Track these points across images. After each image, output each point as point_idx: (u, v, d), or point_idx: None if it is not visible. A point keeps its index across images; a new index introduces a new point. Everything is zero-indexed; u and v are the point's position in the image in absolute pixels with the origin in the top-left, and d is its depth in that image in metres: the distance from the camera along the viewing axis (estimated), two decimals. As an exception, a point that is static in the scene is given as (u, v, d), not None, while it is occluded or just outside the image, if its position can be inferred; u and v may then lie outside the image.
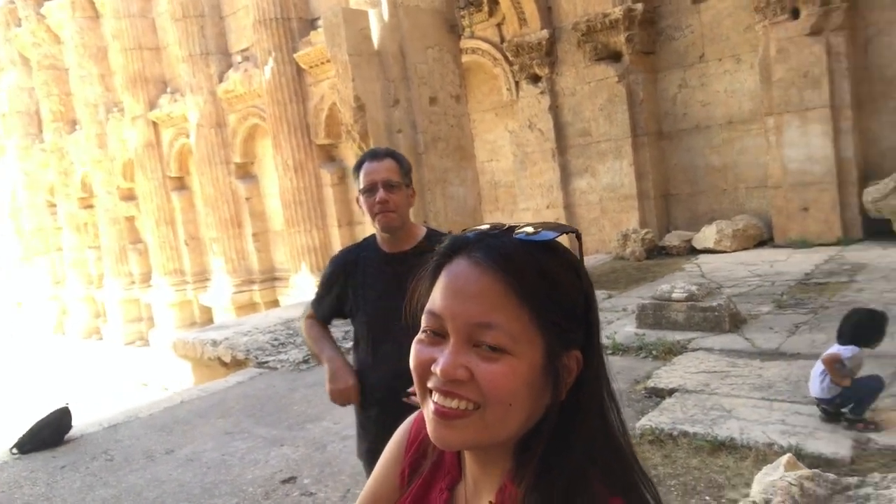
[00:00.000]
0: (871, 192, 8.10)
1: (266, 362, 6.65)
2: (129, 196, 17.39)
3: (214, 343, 7.28)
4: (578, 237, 0.76)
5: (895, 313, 5.50)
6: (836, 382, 3.49)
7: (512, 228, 0.74)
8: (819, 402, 3.62)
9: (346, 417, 4.77)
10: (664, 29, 10.08)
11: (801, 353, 4.76)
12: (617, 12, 9.78)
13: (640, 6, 9.72)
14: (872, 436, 3.43)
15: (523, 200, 11.64)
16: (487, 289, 0.70)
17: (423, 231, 2.22)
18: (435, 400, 0.72)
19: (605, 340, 5.74)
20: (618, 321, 6.35)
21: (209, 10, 13.57)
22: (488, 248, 0.71)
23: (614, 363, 5.29)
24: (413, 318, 0.77)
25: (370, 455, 2.19)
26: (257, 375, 6.34)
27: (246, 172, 14.33)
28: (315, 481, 3.78)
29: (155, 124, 15.74)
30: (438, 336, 0.73)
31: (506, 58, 11.38)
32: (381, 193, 2.05)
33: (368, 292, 2.15)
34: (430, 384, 0.72)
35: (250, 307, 13.80)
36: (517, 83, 11.31)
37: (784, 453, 3.18)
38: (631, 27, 9.81)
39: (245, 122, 13.80)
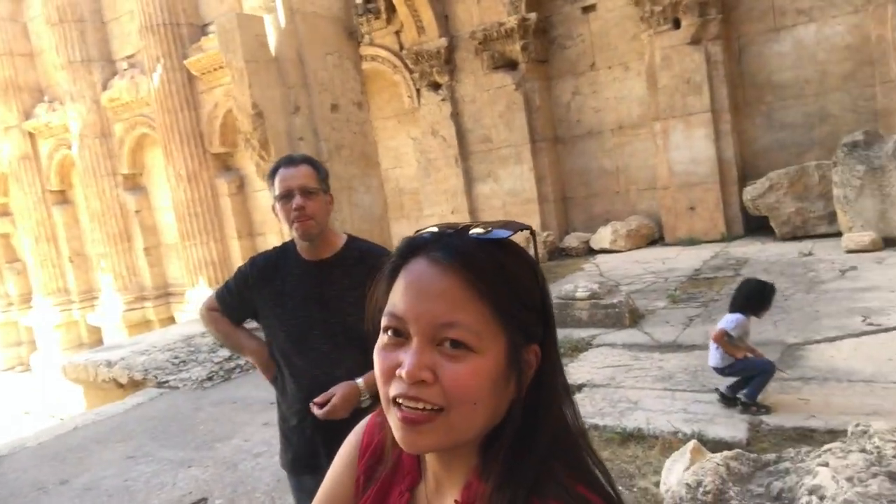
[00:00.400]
0: (750, 191, 8.74)
1: (167, 382, 6.32)
2: (3, 212, 16.08)
3: (109, 364, 6.84)
4: (533, 234, 0.78)
5: (777, 302, 5.96)
6: (731, 354, 3.76)
7: (466, 228, 0.74)
8: (716, 370, 3.88)
9: (257, 434, 4.62)
10: (556, 38, 10.46)
11: (696, 344, 5.05)
12: (512, 21, 10.06)
13: (533, 16, 10.05)
14: (764, 418, 3.70)
15: (428, 206, 11.72)
16: (450, 288, 0.70)
17: (343, 238, 2.19)
18: (401, 405, 0.71)
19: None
20: (525, 322, 6.50)
21: (89, 14, 12.77)
22: (447, 248, 0.72)
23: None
24: (372, 324, 0.76)
25: (295, 465, 2.13)
26: (158, 396, 6.01)
27: (135, 184, 13.57)
28: (228, 501, 3.63)
29: (31, 135, 14.63)
30: (400, 338, 0.72)
31: (406, 65, 11.44)
32: (297, 200, 2.00)
33: (287, 301, 2.09)
34: (392, 392, 0.72)
35: (144, 325, 13.07)
36: (418, 90, 11.39)
37: (688, 440, 3.37)
38: (526, 36, 10.12)
39: (133, 132, 13.08)
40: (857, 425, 1.32)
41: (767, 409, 3.76)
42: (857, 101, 8.55)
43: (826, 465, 1.13)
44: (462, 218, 11.24)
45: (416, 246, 0.74)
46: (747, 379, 3.81)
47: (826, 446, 1.25)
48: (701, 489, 1.17)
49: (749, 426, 3.64)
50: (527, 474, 0.70)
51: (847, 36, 8.46)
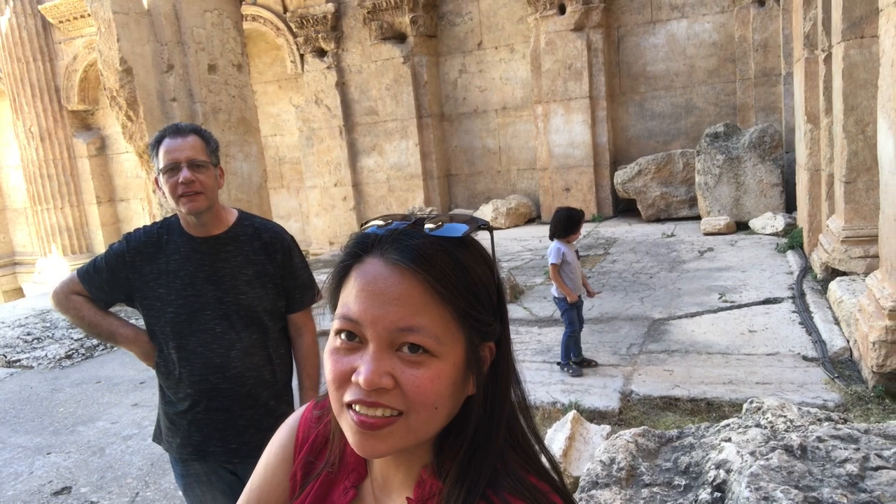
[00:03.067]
0: (620, 175, 9.26)
1: (18, 361, 5.76)
2: None
3: (-54, 342, 6.14)
4: (490, 230, 0.75)
5: (643, 280, 6.42)
6: (560, 287, 4.28)
7: (420, 222, 0.70)
8: (554, 299, 4.40)
9: (126, 416, 4.33)
10: (446, 14, 10.45)
11: (573, 319, 5.30)
12: (402, -7, 9.92)
13: (423, -11, 9.97)
14: (634, 388, 3.96)
15: (310, 178, 11.41)
16: (409, 291, 0.66)
17: (234, 214, 2.06)
18: (357, 410, 0.67)
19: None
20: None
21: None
22: (404, 248, 0.68)
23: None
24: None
25: (183, 451, 2.01)
26: (8, 377, 5.47)
27: (-24, 140, 12.18)
28: (96, 489, 3.38)
29: None
30: (354, 342, 0.68)
31: (289, 28, 10.98)
32: (185, 173, 1.85)
33: (174, 280, 1.94)
34: (347, 397, 0.68)
35: (-13, 298, 11.85)
36: (302, 56, 10.99)
37: (567, 410, 3.56)
38: (415, 9, 10.02)
39: (-27, 80, 11.67)
40: (752, 402, 1.43)
41: (582, 365, 4.28)
42: (720, 96, 9.25)
43: (729, 440, 1.22)
44: (345, 191, 11.06)
45: (368, 244, 0.70)
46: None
47: (724, 422, 1.35)
48: (615, 466, 1.23)
49: (620, 395, 3.89)
50: (484, 470, 0.70)
51: (714, 34, 9.10)
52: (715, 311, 5.20)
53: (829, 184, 5.46)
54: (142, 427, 3.99)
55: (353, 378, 0.67)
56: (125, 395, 4.69)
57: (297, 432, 0.88)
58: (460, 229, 0.70)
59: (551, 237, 4.36)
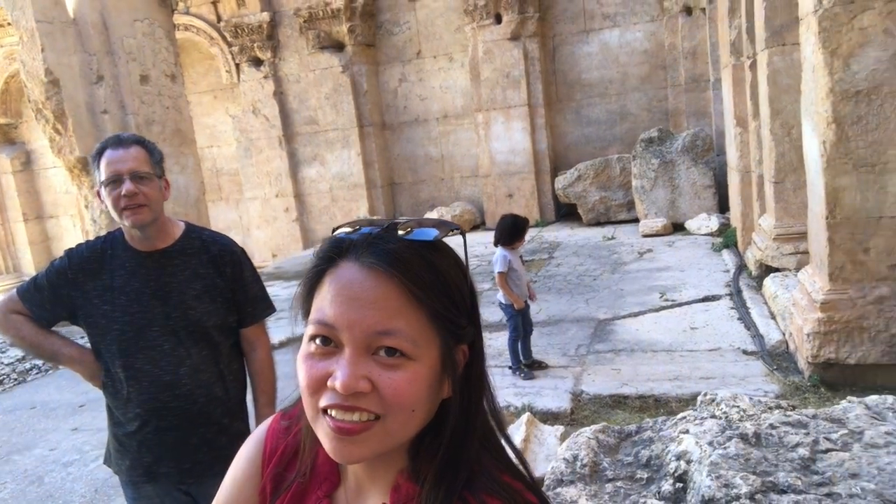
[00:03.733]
0: (561, 181, 9.45)
1: (-60, 389, 5.42)
2: None
3: None
4: (463, 235, 0.76)
5: (587, 282, 6.55)
6: (506, 294, 4.33)
7: (393, 226, 0.71)
8: (500, 305, 4.44)
9: (65, 442, 4.14)
10: (384, 23, 10.46)
11: (521, 322, 5.37)
12: (339, 2, 9.88)
13: (360, -2, 9.95)
14: (584, 388, 4.04)
15: (250, 189, 11.20)
16: (386, 295, 0.66)
17: (181, 227, 2.00)
18: (333, 416, 0.67)
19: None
20: (358, 307, 6.48)
21: None
22: (380, 252, 0.68)
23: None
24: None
25: (133, 473, 1.94)
26: (-70, 407, 5.14)
27: None
28: (34, 521, 3.22)
29: None
30: (329, 346, 0.68)
31: (224, 38, 10.77)
32: (127, 185, 1.79)
33: (118, 296, 1.87)
34: (323, 402, 0.67)
35: None
36: (238, 66, 10.79)
37: (521, 413, 3.60)
38: (353, 18, 10.00)
39: None
40: (706, 394, 1.49)
41: (533, 367, 4.35)
42: (652, 102, 9.57)
43: (687, 432, 1.26)
44: (287, 202, 10.90)
45: (342, 248, 0.70)
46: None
47: (680, 415, 1.40)
48: (579, 462, 1.26)
49: (571, 396, 3.96)
50: (461, 472, 0.70)
51: (645, 42, 9.41)
52: (657, 310, 5.35)
53: (760, 184, 5.71)
54: (83, 452, 3.82)
55: (329, 383, 0.66)
56: (63, 419, 4.48)
57: (265, 445, 0.86)
58: (433, 233, 0.70)
59: (496, 244, 4.39)
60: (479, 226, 10.37)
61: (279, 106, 10.68)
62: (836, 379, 3.62)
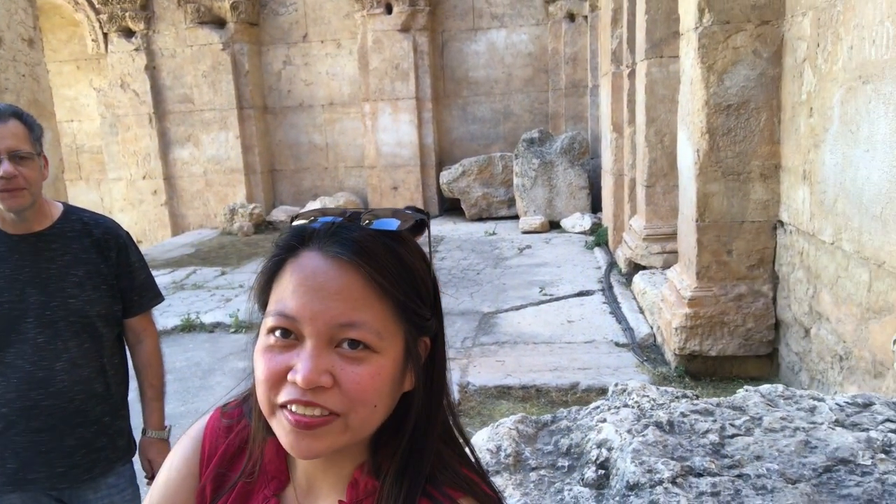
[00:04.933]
0: (445, 175, 9.57)
1: None
2: None
3: None
4: (428, 222, 0.74)
5: (471, 276, 6.69)
6: None
7: (356, 216, 0.68)
8: None
9: None
10: (269, 2, 10.08)
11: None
12: (221, -24, 9.39)
13: (244, -26, 9.52)
14: (470, 379, 4.13)
15: (114, 169, 10.40)
16: (350, 285, 0.64)
17: (59, 208, 1.81)
18: (293, 410, 0.64)
19: (227, 319, 5.58)
20: (237, 298, 6.23)
21: None
22: (344, 241, 0.65)
23: (239, 341, 5.19)
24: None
25: (15, 479, 1.74)
26: None
27: None
28: None
29: None
30: (290, 339, 0.64)
31: (91, 4, 9.91)
32: (6, 167, 1.59)
33: None
34: (282, 398, 0.64)
35: None
36: (106, 35, 9.97)
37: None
38: (236, -6, 9.54)
39: None
40: (616, 385, 1.56)
41: None
42: (535, 104, 9.91)
43: (605, 420, 1.32)
44: (156, 184, 10.24)
45: (304, 237, 0.67)
46: None
47: (594, 405, 1.45)
48: (502, 453, 1.28)
49: (459, 387, 4.03)
50: (424, 466, 0.69)
51: (530, 45, 9.73)
52: (537, 304, 5.57)
53: (632, 187, 6.09)
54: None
55: (290, 377, 0.63)
56: None
57: (203, 444, 0.81)
58: (396, 223, 0.68)
59: None
60: (362, 217, 10.27)
61: (151, 81, 9.98)
62: (698, 370, 3.94)
